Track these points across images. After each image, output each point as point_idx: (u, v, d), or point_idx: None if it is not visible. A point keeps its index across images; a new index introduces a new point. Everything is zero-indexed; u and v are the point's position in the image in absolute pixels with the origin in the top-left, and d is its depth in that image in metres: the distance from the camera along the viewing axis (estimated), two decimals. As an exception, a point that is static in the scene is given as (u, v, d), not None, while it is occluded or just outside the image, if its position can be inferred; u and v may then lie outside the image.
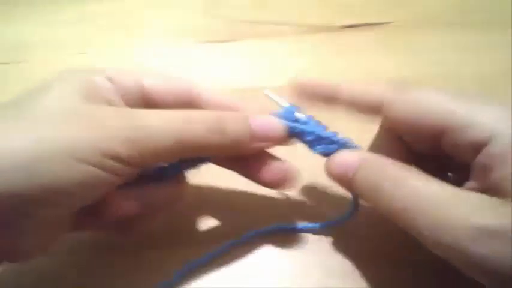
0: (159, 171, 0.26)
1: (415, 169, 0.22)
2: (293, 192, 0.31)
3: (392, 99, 0.24)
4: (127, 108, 0.24)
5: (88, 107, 0.22)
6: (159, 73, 0.27)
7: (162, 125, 0.22)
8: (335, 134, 0.26)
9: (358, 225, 0.29)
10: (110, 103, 0.24)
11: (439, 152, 0.24)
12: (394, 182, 0.21)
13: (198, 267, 0.27)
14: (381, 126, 0.27)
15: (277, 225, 0.29)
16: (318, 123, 0.27)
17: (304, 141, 0.27)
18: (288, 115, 0.27)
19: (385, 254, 0.28)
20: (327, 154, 0.26)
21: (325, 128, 0.26)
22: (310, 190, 0.31)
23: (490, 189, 0.21)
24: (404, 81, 0.26)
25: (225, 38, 0.46)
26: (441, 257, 0.20)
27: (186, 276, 0.27)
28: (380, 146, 0.27)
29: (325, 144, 0.26)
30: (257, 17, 0.49)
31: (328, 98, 0.27)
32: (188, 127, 0.23)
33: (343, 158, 0.24)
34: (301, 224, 0.29)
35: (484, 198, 0.20)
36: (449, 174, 0.26)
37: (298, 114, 0.27)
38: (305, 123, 0.27)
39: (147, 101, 0.26)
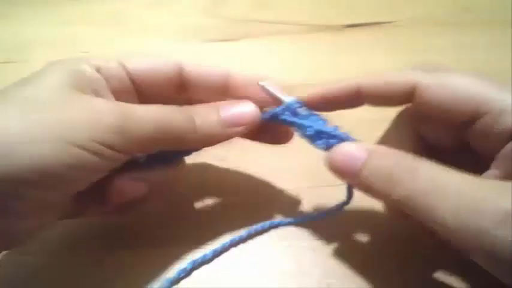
0: (157, 156, 0.26)
1: (429, 160, 0.22)
2: (292, 188, 0.31)
3: (425, 83, 0.24)
4: (115, 101, 0.25)
5: (77, 96, 0.23)
6: (143, 55, 0.27)
7: (146, 115, 0.23)
8: (336, 128, 0.26)
9: (358, 225, 0.29)
10: (98, 93, 0.25)
11: (456, 144, 0.24)
12: (410, 171, 0.21)
13: (199, 264, 0.27)
14: (394, 121, 0.27)
15: (270, 221, 0.29)
16: (319, 117, 0.27)
17: (305, 136, 0.27)
18: (288, 109, 0.27)
19: (387, 253, 0.28)
20: (327, 148, 0.25)
21: (325, 122, 0.26)
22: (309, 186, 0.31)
23: None
24: (429, 63, 0.26)
25: (226, 37, 0.46)
26: (460, 246, 0.20)
27: (187, 273, 0.27)
28: (391, 140, 0.26)
29: (325, 138, 0.26)
30: (258, 16, 0.49)
31: (349, 100, 0.26)
32: (167, 118, 0.24)
33: (349, 150, 0.24)
34: (292, 218, 0.30)
35: (510, 183, 0.20)
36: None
37: (299, 110, 0.27)
38: (306, 117, 0.26)
39: (137, 86, 0.26)
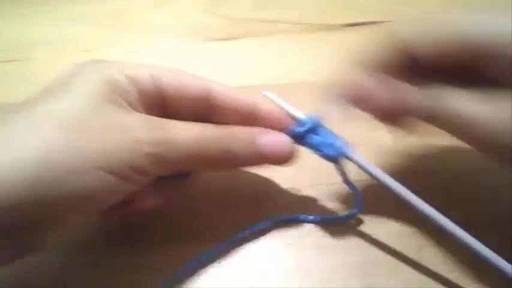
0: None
1: None
2: (293, 187, 0.32)
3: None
4: (153, 117, 0.24)
5: (113, 112, 0.23)
6: (177, 71, 0.27)
7: (185, 142, 0.23)
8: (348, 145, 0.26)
9: (362, 224, 0.29)
10: (130, 105, 0.24)
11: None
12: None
13: (203, 263, 0.28)
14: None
15: (275, 218, 0.29)
16: (330, 132, 0.27)
17: (312, 148, 0.27)
18: (310, 131, 0.27)
19: (391, 253, 0.28)
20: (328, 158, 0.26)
21: (336, 137, 0.27)
22: (309, 184, 0.32)
23: None
24: None
25: (226, 36, 0.47)
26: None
27: (191, 271, 0.27)
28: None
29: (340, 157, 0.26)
30: (258, 15, 0.49)
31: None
32: (205, 146, 0.24)
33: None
34: (301, 215, 0.30)
35: None
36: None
37: (321, 129, 0.27)
38: (324, 135, 0.27)
39: (164, 99, 0.26)
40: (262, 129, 0.26)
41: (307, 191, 0.31)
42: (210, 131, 0.25)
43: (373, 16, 0.47)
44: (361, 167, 0.26)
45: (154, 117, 0.24)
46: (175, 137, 0.23)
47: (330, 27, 0.47)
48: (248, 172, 0.33)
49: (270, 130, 0.27)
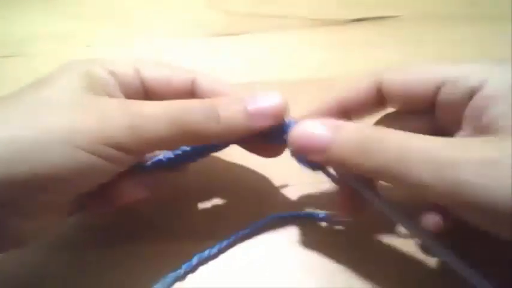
0: (164, 161, 0.26)
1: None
2: (295, 184, 0.31)
3: (388, 78, 0.25)
4: (128, 100, 0.24)
5: (90, 97, 0.23)
6: (158, 63, 0.27)
7: (160, 113, 0.23)
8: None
9: (363, 224, 0.29)
10: (111, 95, 0.25)
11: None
12: (381, 141, 0.21)
13: (205, 260, 0.27)
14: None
15: (276, 214, 0.29)
16: None
17: None
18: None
19: (393, 251, 0.28)
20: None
21: None
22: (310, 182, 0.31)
23: (483, 133, 0.22)
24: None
25: (228, 32, 0.46)
26: (444, 203, 0.20)
27: (193, 269, 0.27)
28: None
29: None
30: (261, 10, 0.48)
31: (369, 104, 0.27)
32: (184, 115, 0.23)
33: (313, 127, 0.23)
34: (302, 212, 0.29)
35: (481, 138, 0.21)
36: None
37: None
38: None
39: (147, 93, 0.26)
40: (252, 94, 0.26)
41: (308, 188, 0.31)
42: (189, 101, 0.24)
43: (379, 11, 0.46)
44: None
45: (128, 100, 0.24)
46: (151, 108, 0.23)
47: (336, 23, 0.46)
48: (249, 169, 0.32)
49: (262, 93, 0.25)
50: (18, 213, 0.21)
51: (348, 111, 0.27)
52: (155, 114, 0.23)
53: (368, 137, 0.22)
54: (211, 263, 0.27)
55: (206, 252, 0.27)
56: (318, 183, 0.30)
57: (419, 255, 0.27)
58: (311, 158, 0.24)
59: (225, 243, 0.28)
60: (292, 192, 0.31)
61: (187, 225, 0.29)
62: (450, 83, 0.23)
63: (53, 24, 0.48)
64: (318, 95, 0.37)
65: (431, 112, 0.25)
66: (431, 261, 0.27)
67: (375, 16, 0.46)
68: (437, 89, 0.24)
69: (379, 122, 0.27)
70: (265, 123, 0.25)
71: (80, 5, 0.51)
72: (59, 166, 0.20)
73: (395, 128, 0.22)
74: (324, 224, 0.29)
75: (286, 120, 0.26)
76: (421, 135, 0.21)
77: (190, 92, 0.27)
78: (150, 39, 0.46)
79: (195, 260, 0.27)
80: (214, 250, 0.27)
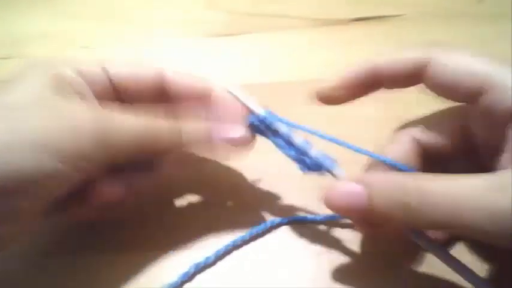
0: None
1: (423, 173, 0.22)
2: (294, 189, 0.31)
3: (436, 59, 0.23)
4: (97, 106, 0.25)
5: (60, 101, 0.23)
6: (126, 61, 0.27)
7: (127, 126, 0.24)
8: (321, 153, 0.25)
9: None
10: (80, 96, 0.25)
11: (458, 149, 0.24)
12: (420, 193, 0.20)
13: (202, 268, 0.27)
14: (393, 135, 0.26)
15: (272, 220, 0.29)
16: (301, 138, 0.26)
17: (276, 145, 0.26)
18: (263, 123, 0.26)
19: (393, 258, 0.27)
20: (305, 172, 0.25)
21: (308, 143, 0.26)
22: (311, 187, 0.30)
23: None
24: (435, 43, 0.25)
25: (229, 32, 0.45)
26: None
27: (190, 277, 0.26)
28: (392, 150, 0.25)
29: (307, 163, 0.25)
30: (262, 10, 0.47)
31: (366, 86, 0.25)
32: (152, 130, 0.25)
33: (349, 187, 0.22)
34: (301, 216, 0.29)
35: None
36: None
37: (278, 125, 0.26)
38: (286, 135, 0.26)
39: (116, 91, 0.27)
40: (216, 125, 0.27)
41: (307, 193, 0.30)
42: (159, 120, 0.25)
43: (381, 10, 0.45)
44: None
45: (98, 108, 0.24)
46: (123, 123, 0.24)
47: (337, 22, 0.45)
48: (246, 174, 0.32)
49: (227, 125, 0.27)
50: None
51: (378, 80, 0.25)
52: (125, 132, 0.23)
53: (405, 189, 0.20)
54: (208, 271, 0.27)
55: (203, 260, 0.27)
56: (318, 188, 0.30)
57: (423, 263, 0.26)
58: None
59: (222, 250, 0.27)
60: (291, 198, 0.31)
61: (182, 232, 0.29)
62: (493, 92, 0.21)
63: (50, 25, 0.48)
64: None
65: (464, 117, 0.24)
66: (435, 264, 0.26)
67: (377, 15, 0.45)
68: (478, 92, 0.22)
69: (405, 127, 0.26)
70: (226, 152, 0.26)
71: (79, 5, 0.50)
72: (26, 169, 0.20)
73: (426, 135, 0.23)
74: (323, 228, 0.29)
75: (262, 112, 0.26)
76: (462, 177, 0.20)
77: (160, 89, 0.27)
78: (150, 39, 0.45)
79: (191, 269, 0.26)
80: (212, 258, 0.27)
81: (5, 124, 0.21)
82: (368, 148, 0.25)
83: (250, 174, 0.32)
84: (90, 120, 0.22)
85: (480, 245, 0.26)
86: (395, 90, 0.25)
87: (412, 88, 0.25)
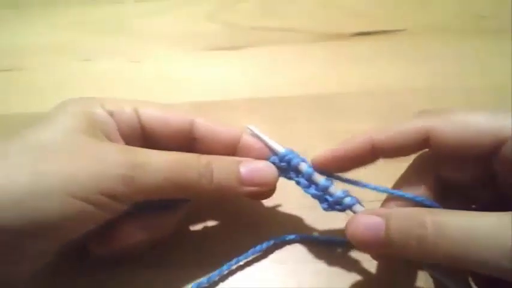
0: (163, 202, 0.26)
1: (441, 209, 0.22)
2: (295, 207, 0.31)
3: (439, 128, 0.23)
4: (126, 146, 0.25)
5: (88, 142, 0.23)
6: (157, 105, 0.27)
7: (158, 166, 0.23)
8: (344, 192, 0.26)
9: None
10: (108, 138, 0.25)
11: (477, 181, 0.24)
12: (438, 228, 0.20)
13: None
14: (411, 165, 0.26)
15: (276, 237, 0.28)
16: (324, 177, 0.26)
17: (298, 184, 0.27)
18: (283, 159, 0.27)
19: (393, 275, 0.27)
20: (328, 209, 0.26)
21: (331, 183, 0.26)
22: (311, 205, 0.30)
23: None
24: (427, 108, 0.25)
25: (230, 46, 0.45)
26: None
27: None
28: (409, 183, 0.25)
29: (330, 202, 0.26)
30: (264, 23, 0.47)
31: (363, 158, 0.25)
32: (180, 170, 0.24)
33: (367, 220, 0.22)
34: (301, 235, 0.29)
35: None
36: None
37: (301, 166, 0.27)
38: (309, 175, 0.26)
39: (145, 133, 0.27)
40: (244, 158, 0.27)
41: (309, 211, 0.30)
42: (187, 156, 0.25)
43: (383, 25, 0.45)
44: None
45: (128, 147, 0.25)
46: (149, 160, 0.23)
47: (339, 37, 0.45)
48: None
49: (257, 160, 0.27)
50: (8, 258, 0.21)
51: (376, 153, 0.25)
52: (153, 167, 0.23)
53: (424, 224, 0.20)
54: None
55: (206, 280, 0.26)
56: (319, 206, 0.30)
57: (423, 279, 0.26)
58: (371, 252, 0.24)
59: (225, 269, 0.27)
60: (294, 215, 0.30)
61: (185, 251, 0.29)
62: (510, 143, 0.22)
63: (52, 38, 0.48)
64: (321, 111, 0.37)
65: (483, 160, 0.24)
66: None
67: (379, 30, 0.45)
68: (498, 145, 0.22)
69: (418, 162, 0.26)
70: (255, 190, 0.26)
71: (80, 18, 0.50)
72: (51, 214, 0.20)
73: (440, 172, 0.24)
74: (325, 247, 0.29)
75: (283, 150, 0.27)
76: (482, 215, 0.20)
77: (188, 134, 0.27)
78: (150, 51, 0.45)
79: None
80: (214, 277, 0.27)
81: (33, 167, 0.21)
82: (380, 169, 0.25)
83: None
84: (119, 160, 0.22)
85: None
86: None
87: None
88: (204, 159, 0.25)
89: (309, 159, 0.27)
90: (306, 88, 0.40)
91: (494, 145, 0.22)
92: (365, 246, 0.23)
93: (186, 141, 0.27)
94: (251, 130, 0.28)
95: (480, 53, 0.41)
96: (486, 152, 0.23)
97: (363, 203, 0.26)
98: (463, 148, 0.23)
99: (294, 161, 0.26)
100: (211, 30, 0.47)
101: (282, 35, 0.46)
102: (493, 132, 0.22)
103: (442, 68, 0.40)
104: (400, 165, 0.26)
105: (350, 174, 0.27)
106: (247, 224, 0.30)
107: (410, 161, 0.26)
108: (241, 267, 0.28)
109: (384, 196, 0.26)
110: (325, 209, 0.26)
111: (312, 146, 0.29)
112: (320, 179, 0.26)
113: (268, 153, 0.27)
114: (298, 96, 0.39)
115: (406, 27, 0.45)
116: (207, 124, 0.27)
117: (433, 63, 0.41)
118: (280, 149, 0.27)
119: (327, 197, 0.26)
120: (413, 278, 0.27)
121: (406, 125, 0.24)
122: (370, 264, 0.27)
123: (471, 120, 0.23)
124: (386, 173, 0.26)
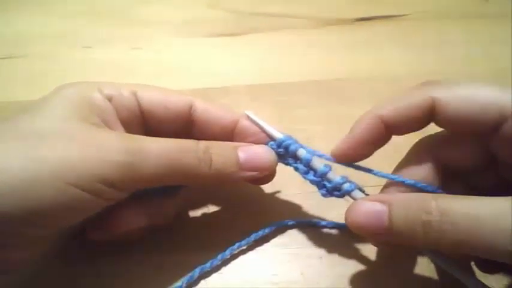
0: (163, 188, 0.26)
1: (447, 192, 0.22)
2: (298, 193, 0.31)
3: (444, 98, 0.23)
4: (124, 133, 0.25)
5: (86, 129, 0.22)
6: (156, 88, 0.27)
7: (157, 153, 0.23)
8: (342, 178, 0.25)
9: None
10: (107, 123, 0.24)
11: (479, 165, 0.24)
12: (441, 214, 0.20)
13: (208, 272, 0.27)
14: (411, 150, 0.26)
15: (279, 222, 0.29)
16: (321, 162, 0.26)
17: (296, 170, 0.27)
18: (281, 145, 0.27)
19: (395, 261, 0.27)
20: (326, 195, 0.26)
21: (329, 168, 0.26)
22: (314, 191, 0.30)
23: None
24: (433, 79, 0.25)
25: (232, 32, 0.45)
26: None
27: (195, 281, 0.26)
28: (408, 168, 0.25)
29: (328, 188, 0.26)
30: (265, 9, 0.47)
31: (378, 140, 0.25)
32: (179, 156, 0.23)
33: (369, 207, 0.22)
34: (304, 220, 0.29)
35: None
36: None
37: (299, 152, 0.26)
38: (307, 160, 0.26)
39: (144, 116, 0.26)
40: (243, 143, 0.27)
41: (311, 196, 0.30)
42: (186, 142, 0.25)
43: (386, 10, 0.45)
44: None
45: (126, 134, 0.24)
46: (147, 146, 0.23)
47: (341, 22, 0.45)
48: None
49: (256, 145, 0.27)
50: (5, 245, 0.21)
51: (393, 127, 0.25)
52: (152, 154, 0.23)
53: (428, 210, 0.20)
54: (213, 275, 0.27)
55: (209, 264, 0.27)
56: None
57: (426, 265, 0.26)
58: (374, 239, 0.24)
59: (228, 253, 0.27)
60: (295, 201, 0.30)
61: (188, 236, 0.29)
62: None
63: (52, 25, 0.47)
64: (324, 96, 0.37)
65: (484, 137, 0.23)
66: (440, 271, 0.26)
67: (381, 15, 0.45)
68: (500, 122, 0.22)
69: (418, 147, 0.26)
70: (254, 175, 0.26)
71: (80, 6, 0.50)
72: (48, 201, 0.20)
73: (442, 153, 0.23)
74: (327, 232, 0.29)
75: (280, 136, 0.27)
76: (485, 199, 0.19)
77: (188, 117, 0.27)
78: (151, 38, 0.45)
79: (196, 272, 0.26)
80: (217, 261, 0.27)
81: (27, 153, 0.20)
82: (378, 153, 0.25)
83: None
84: (118, 147, 0.22)
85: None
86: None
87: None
88: (203, 144, 0.25)
89: (311, 145, 0.27)
90: (307, 74, 0.39)
91: (496, 121, 0.22)
92: (367, 234, 0.22)
93: (185, 125, 0.27)
94: (249, 116, 0.27)
95: (483, 38, 0.41)
96: (488, 129, 0.22)
97: (364, 189, 0.26)
98: (466, 123, 0.23)
99: (292, 147, 0.26)
100: (212, 17, 0.47)
101: (283, 21, 0.45)
102: (497, 108, 0.22)
103: (445, 53, 0.40)
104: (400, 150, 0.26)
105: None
106: (248, 209, 0.30)
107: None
108: (244, 252, 0.28)
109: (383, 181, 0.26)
110: (323, 195, 0.26)
111: (314, 131, 0.29)
112: (319, 164, 0.26)
113: (266, 139, 0.27)
114: (300, 82, 0.39)
115: (408, 13, 0.45)
116: (205, 107, 0.27)
117: (436, 48, 0.41)
118: (278, 134, 0.27)
119: (326, 183, 0.26)
120: (414, 261, 0.27)
121: (413, 96, 0.24)
122: (371, 247, 0.28)
123: (476, 95, 0.22)
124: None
